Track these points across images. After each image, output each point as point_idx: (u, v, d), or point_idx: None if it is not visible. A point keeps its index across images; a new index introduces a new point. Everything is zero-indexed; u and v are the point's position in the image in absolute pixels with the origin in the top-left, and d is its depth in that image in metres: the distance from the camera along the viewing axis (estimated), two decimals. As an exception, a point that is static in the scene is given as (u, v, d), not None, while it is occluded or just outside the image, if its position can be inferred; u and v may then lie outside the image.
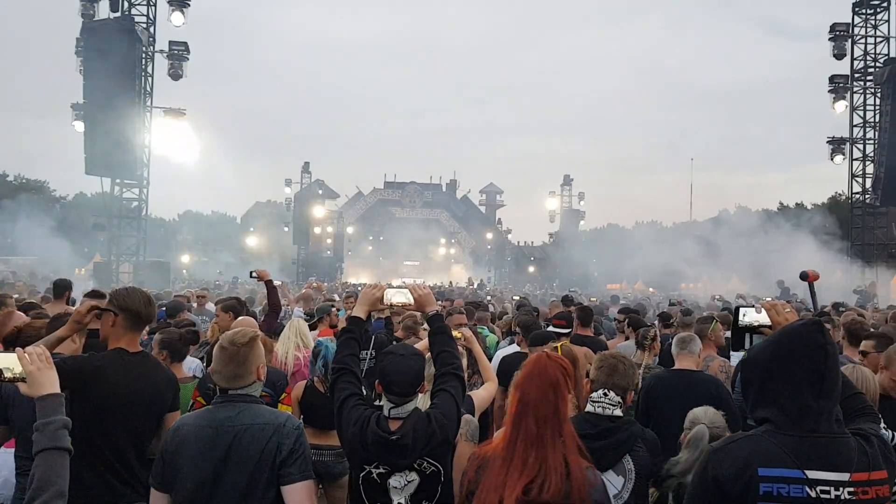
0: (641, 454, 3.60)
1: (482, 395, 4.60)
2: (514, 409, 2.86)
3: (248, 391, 3.33)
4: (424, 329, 7.68)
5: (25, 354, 2.72)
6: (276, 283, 7.91)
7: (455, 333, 4.12)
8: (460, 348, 4.40)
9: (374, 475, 3.26)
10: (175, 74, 28.77)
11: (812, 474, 2.33)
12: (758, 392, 2.49)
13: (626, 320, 8.65)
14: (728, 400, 4.97)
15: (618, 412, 3.65)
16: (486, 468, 2.81)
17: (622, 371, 3.74)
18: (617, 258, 48.20)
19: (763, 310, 2.91)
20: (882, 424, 2.79)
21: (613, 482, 3.55)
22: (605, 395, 3.66)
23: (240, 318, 6.34)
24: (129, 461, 3.68)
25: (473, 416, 4.42)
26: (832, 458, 2.35)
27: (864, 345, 5.51)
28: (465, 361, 4.43)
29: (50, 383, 2.70)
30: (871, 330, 6.71)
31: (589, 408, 3.69)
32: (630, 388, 3.77)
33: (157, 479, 3.27)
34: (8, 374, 2.70)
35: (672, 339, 6.10)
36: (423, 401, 3.53)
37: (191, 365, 6.10)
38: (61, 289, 9.27)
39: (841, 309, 14.16)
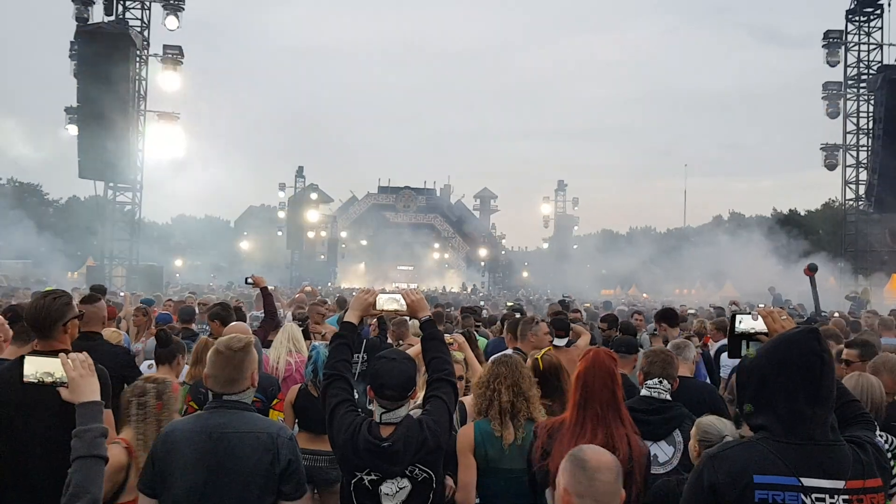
0: (689, 430, 4.01)
1: (473, 401, 4.57)
2: (578, 395, 3.46)
3: (240, 397, 3.32)
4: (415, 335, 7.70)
5: (68, 360, 2.74)
6: (269, 287, 7.87)
7: (447, 339, 4.10)
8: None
9: (366, 482, 3.24)
10: (171, 25, 28.32)
11: (807, 482, 2.32)
12: (753, 399, 2.48)
13: (618, 328, 8.70)
14: (722, 408, 4.96)
15: (668, 396, 4.36)
16: (556, 437, 3.38)
17: (672, 363, 4.55)
18: (611, 264, 48.28)
19: (759, 317, 2.89)
20: (878, 431, 2.77)
21: (665, 451, 4.20)
22: (660, 382, 4.38)
23: (232, 324, 6.30)
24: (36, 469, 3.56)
25: (466, 421, 4.40)
26: (827, 465, 2.34)
27: (848, 353, 5.30)
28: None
29: (91, 390, 2.72)
30: (859, 335, 6.66)
31: (645, 392, 4.40)
32: (675, 377, 4.53)
33: (145, 485, 3.25)
34: (49, 379, 2.73)
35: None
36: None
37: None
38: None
39: (823, 314, 14.20)
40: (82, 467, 2.56)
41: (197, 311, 10.62)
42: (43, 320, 3.83)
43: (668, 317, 8.27)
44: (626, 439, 3.37)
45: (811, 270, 15.21)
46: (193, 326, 9.13)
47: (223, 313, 7.12)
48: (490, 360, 4.26)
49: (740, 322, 2.94)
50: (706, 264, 40.55)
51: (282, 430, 3.33)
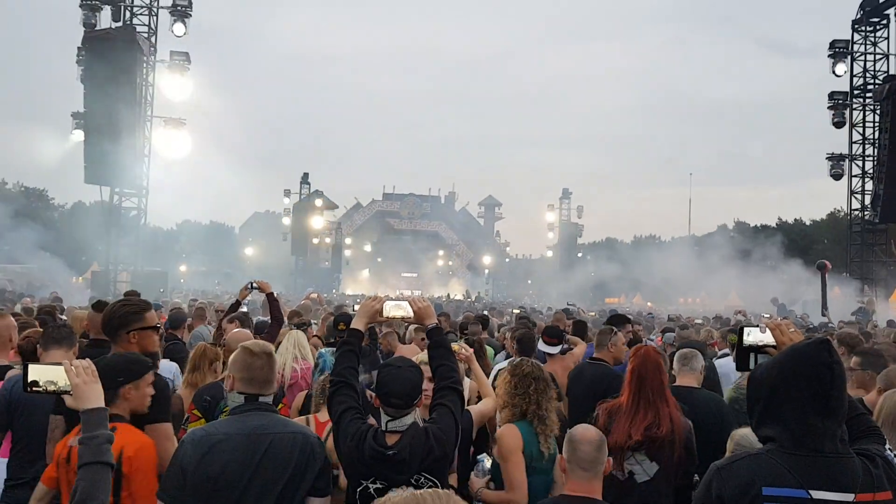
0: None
1: (481, 409, 4.57)
2: (633, 383, 4.33)
3: (269, 399, 3.36)
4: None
5: (72, 367, 2.73)
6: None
7: (454, 347, 4.10)
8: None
9: (371, 490, 3.23)
10: (178, 31, 28.42)
11: (816, 494, 2.30)
12: (763, 411, 2.47)
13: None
14: (729, 419, 4.92)
15: None
16: (615, 417, 4.21)
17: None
18: (615, 272, 48.21)
19: (767, 329, 2.88)
20: (888, 445, 2.75)
21: None
22: None
23: (236, 330, 6.30)
24: None
25: (472, 430, 4.39)
26: (837, 478, 2.32)
27: (852, 361, 5.32)
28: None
29: (95, 397, 2.70)
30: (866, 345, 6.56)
31: None
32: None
33: (167, 493, 3.11)
34: (52, 387, 2.72)
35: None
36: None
37: (171, 369, 6.29)
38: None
39: (831, 325, 14.19)
40: (88, 474, 2.55)
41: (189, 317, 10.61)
42: (107, 324, 3.91)
43: (615, 322, 8.29)
44: (669, 417, 4.24)
45: (820, 268, 15.55)
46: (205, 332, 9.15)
47: (244, 318, 7.23)
48: (522, 371, 4.38)
49: (748, 335, 2.92)
50: (711, 273, 40.45)
51: (310, 430, 3.43)
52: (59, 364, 2.76)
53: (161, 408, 3.75)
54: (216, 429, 3.26)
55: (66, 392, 2.71)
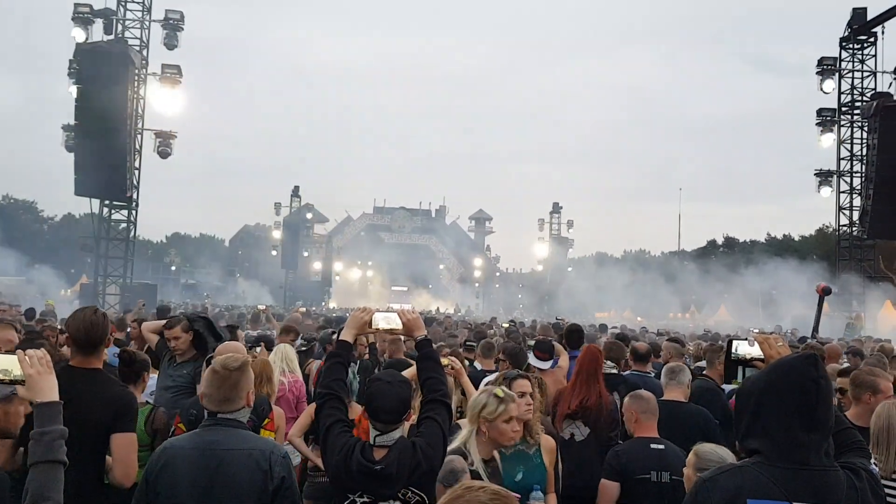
0: (623, 392, 5.65)
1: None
2: (578, 371, 5.74)
3: (236, 416, 3.31)
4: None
5: (26, 357, 2.60)
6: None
7: (443, 361, 4.09)
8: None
9: (358, 504, 3.21)
10: (170, 45, 28.46)
11: (801, 507, 2.30)
12: (749, 423, 2.47)
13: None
14: (716, 433, 4.93)
15: (614, 371, 6.63)
16: (562, 394, 5.68)
17: (616, 348, 7.18)
18: (605, 287, 48.27)
19: (756, 343, 2.90)
20: (872, 459, 2.77)
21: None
22: (607, 362, 6.41)
23: (226, 342, 6.26)
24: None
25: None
26: (821, 491, 2.33)
27: (842, 381, 5.29)
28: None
29: (49, 389, 2.57)
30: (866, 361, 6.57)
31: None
32: (622, 358, 7.25)
33: (138, 502, 3.23)
34: (4, 377, 2.59)
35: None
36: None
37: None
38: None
39: (821, 341, 14.20)
40: (40, 473, 2.43)
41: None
42: (93, 339, 3.87)
43: (571, 337, 8.21)
44: (598, 393, 5.60)
45: (824, 293, 15.45)
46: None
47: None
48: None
49: (737, 348, 2.94)
50: (701, 288, 40.59)
51: (275, 448, 3.34)
52: (13, 353, 2.65)
53: (127, 418, 3.85)
54: (177, 442, 3.33)
55: (20, 382, 2.58)
